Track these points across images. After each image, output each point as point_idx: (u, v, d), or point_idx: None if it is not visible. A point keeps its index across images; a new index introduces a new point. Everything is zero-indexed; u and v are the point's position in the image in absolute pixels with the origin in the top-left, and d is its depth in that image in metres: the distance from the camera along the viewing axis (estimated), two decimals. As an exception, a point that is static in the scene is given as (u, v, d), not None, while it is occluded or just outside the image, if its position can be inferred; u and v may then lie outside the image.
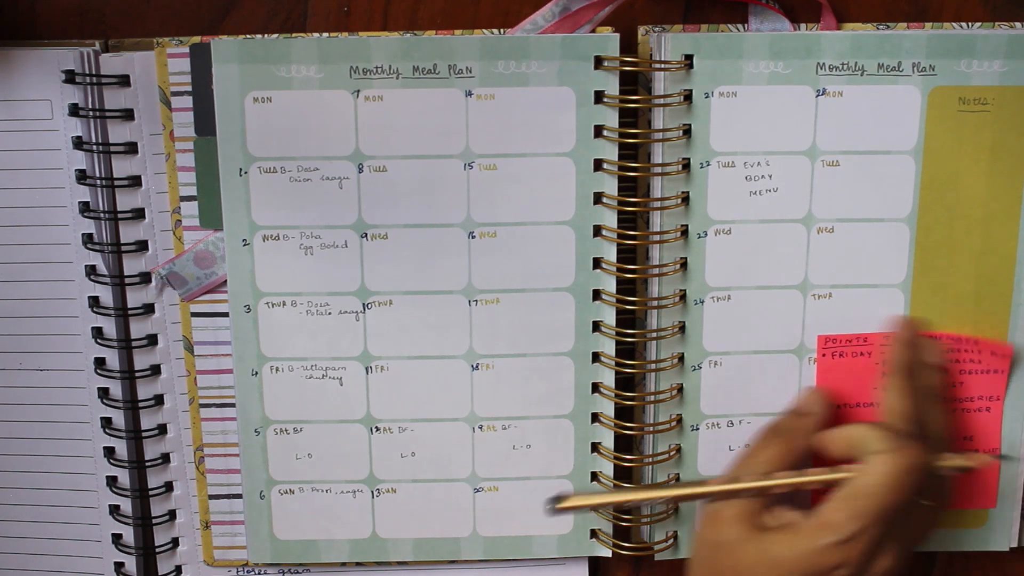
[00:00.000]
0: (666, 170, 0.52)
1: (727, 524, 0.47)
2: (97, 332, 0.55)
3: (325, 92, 0.51)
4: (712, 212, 0.52)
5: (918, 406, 0.50)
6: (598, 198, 0.52)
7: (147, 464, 0.56)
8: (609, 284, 0.53)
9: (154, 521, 0.57)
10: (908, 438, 0.47)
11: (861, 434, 0.48)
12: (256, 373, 0.54)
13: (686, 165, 0.52)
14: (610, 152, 0.52)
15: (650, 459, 0.54)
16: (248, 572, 0.57)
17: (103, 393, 0.55)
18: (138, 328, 0.55)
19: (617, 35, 0.51)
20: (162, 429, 0.56)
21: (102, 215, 0.53)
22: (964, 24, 0.53)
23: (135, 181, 0.53)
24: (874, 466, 0.45)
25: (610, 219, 0.52)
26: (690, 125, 0.51)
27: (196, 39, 0.52)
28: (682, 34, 0.51)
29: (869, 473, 0.45)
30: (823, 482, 0.47)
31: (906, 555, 0.48)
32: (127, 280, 0.54)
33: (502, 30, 0.52)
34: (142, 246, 0.54)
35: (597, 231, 0.53)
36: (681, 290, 0.53)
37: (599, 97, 0.51)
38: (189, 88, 0.52)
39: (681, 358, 0.54)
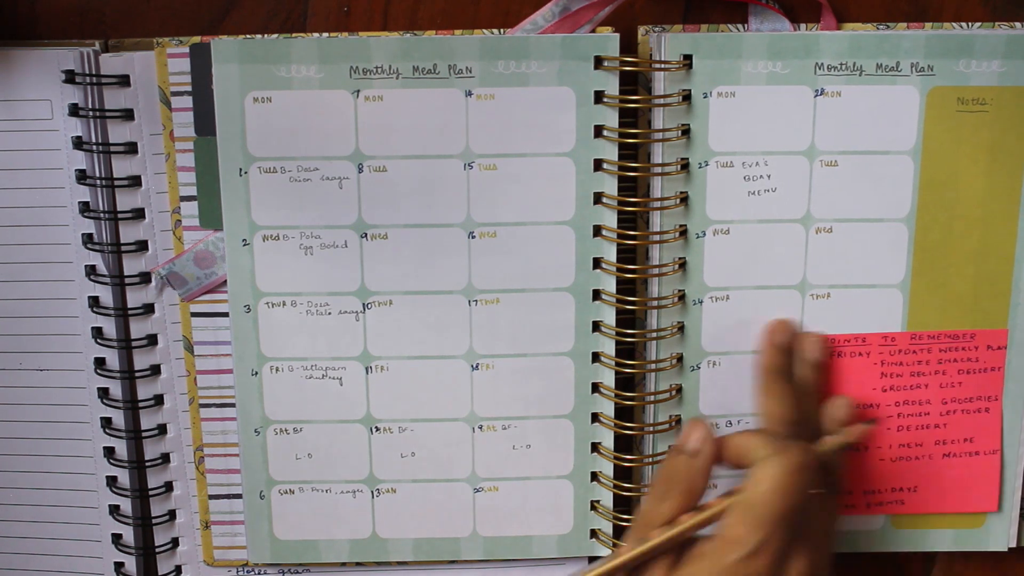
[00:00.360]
0: (665, 170, 0.52)
1: None
2: (97, 332, 0.55)
3: (325, 92, 0.51)
4: (711, 212, 0.52)
5: (794, 406, 0.50)
6: (598, 198, 0.52)
7: (147, 464, 0.56)
8: (609, 284, 0.53)
9: (154, 521, 0.57)
10: (788, 439, 0.47)
11: (745, 443, 0.47)
12: (256, 373, 0.54)
13: (685, 165, 0.52)
14: (610, 152, 0.52)
15: (650, 459, 0.54)
16: (248, 572, 0.57)
17: (103, 393, 0.55)
18: (138, 328, 0.55)
19: (617, 35, 0.51)
20: (162, 429, 0.56)
21: (102, 215, 0.53)
22: (964, 24, 0.53)
23: (135, 181, 0.53)
24: (761, 472, 0.45)
25: (610, 219, 0.52)
26: (689, 125, 0.52)
27: (196, 39, 0.52)
28: (682, 34, 0.51)
29: (758, 480, 0.45)
30: (724, 508, 0.46)
31: (820, 555, 0.47)
32: (127, 280, 0.54)
33: (502, 30, 0.52)
34: (142, 246, 0.54)
35: (597, 231, 0.53)
36: (680, 290, 0.53)
37: (599, 97, 0.51)
38: (189, 88, 0.52)
39: (680, 358, 0.54)
